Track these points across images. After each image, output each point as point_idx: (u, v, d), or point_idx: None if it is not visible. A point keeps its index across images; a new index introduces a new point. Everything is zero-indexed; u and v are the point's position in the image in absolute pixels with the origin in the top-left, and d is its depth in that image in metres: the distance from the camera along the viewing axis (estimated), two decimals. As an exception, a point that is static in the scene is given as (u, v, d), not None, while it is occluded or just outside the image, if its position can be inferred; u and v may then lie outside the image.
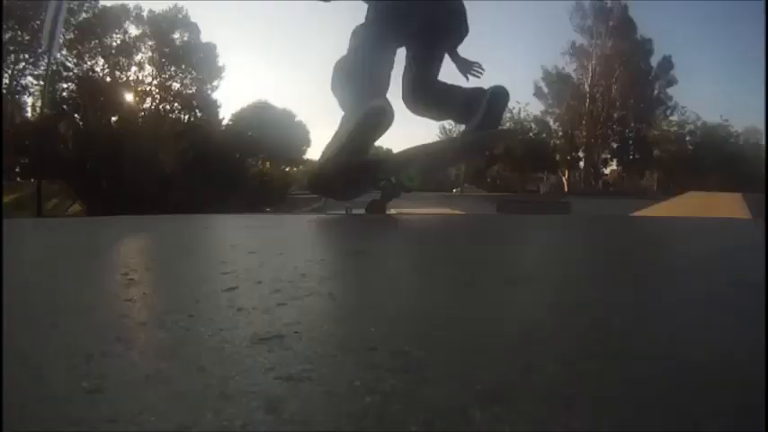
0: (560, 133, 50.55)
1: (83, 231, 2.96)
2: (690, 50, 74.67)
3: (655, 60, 49.21)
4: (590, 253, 1.88)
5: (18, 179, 28.10)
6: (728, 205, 8.90)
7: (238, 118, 40.33)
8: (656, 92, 49.33)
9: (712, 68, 71.04)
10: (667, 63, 48.95)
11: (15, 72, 34.11)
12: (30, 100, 35.92)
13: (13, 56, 33.48)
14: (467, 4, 3.69)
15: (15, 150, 29.52)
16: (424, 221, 3.20)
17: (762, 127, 38.78)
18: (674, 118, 49.06)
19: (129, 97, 34.81)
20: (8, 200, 13.85)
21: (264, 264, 1.44)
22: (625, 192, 43.17)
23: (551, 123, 50.92)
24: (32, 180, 16.54)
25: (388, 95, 3.19)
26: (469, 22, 3.82)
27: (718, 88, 68.98)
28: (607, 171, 55.31)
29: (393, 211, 4.07)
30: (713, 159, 42.65)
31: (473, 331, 0.80)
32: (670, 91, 49.21)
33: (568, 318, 0.89)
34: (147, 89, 38.34)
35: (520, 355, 0.68)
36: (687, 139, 48.26)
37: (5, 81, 33.34)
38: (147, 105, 35.25)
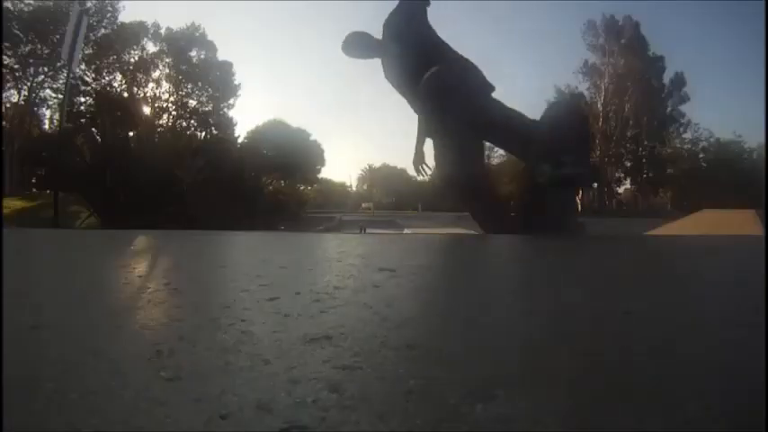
0: (573, 152, 50.31)
1: (111, 244, 3.07)
2: (701, 65, 74.26)
3: (667, 77, 49.11)
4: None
5: (34, 190, 28.40)
6: (742, 222, 8.87)
7: (253, 136, 40.62)
8: (668, 109, 49.15)
9: (725, 83, 70.70)
10: (680, 80, 48.82)
11: (34, 85, 34.60)
12: (48, 113, 36.48)
13: (32, 68, 33.96)
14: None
15: (32, 162, 29.88)
16: (439, 241, 3.29)
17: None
18: (688, 135, 48.82)
19: (146, 113, 35.21)
20: (27, 208, 14.06)
21: (298, 277, 1.55)
22: (639, 211, 42.87)
23: (564, 142, 50.70)
24: (48, 191, 16.73)
25: None
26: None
27: (732, 104, 68.57)
28: (620, 190, 55.02)
29: (407, 230, 4.19)
30: (727, 176, 42.27)
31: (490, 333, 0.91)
32: (683, 108, 49.05)
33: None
34: (164, 105, 38.81)
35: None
36: (700, 156, 47.95)
37: (24, 93, 33.79)
38: (163, 121, 35.61)
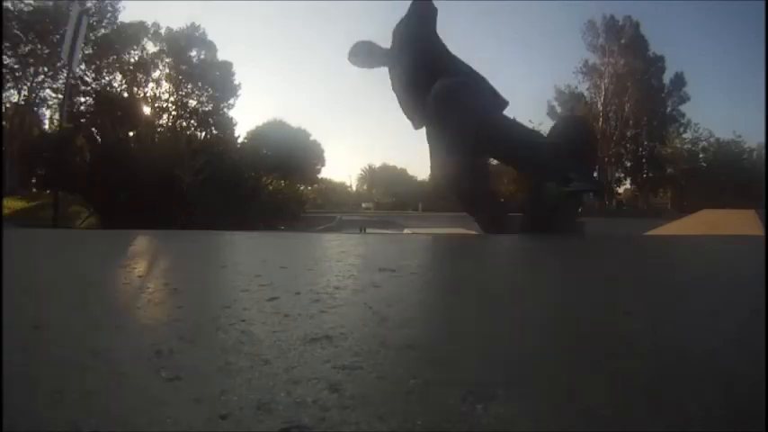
0: (573, 152, 50.34)
1: (111, 244, 3.08)
2: (701, 65, 74.41)
3: (667, 77, 49.17)
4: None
5: (34, 189, 28.43)
6: (742, 222, 8.86)
7: (253, 136, 40.71)
8: (668, 109, 49.20)
9: (725, 83, 70.93)
10: (680, 80, 48.86)
11: (34, 84, 34.56)
12: (48, 113, 36.48)
13: (32, 68, 33.95)
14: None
15: (32, 162, 29.94)
16: (439, 241, 3.29)
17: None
18: (687, 135, 48.87)
19: (146, 113, 35.27)
20: (27, 208, 14.05)
21: (298, 277, 1.55)
22: (639, 211, 42.90)
23: (564, 143, 50.76)
24: (48, 191, 16.75)
25: None
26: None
27: (732, 104, 68.76)
28: (620, 190, 55.07)
29: (407, 230, 4.19)
30: (727, 176, 42.33)
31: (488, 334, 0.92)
32: (683, 108, 49.10)
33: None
34: (164, 105, 38.87)
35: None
36: (700, 156, 47.99)
37: (24, 93, 33.82)
38: (163, 121, 35.62)
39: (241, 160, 13.65)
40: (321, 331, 0.89)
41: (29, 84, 34.28)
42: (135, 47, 38.78)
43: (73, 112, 32.50)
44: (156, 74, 39.57)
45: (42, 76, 34.55)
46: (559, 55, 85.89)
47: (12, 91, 33.47)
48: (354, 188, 75.88)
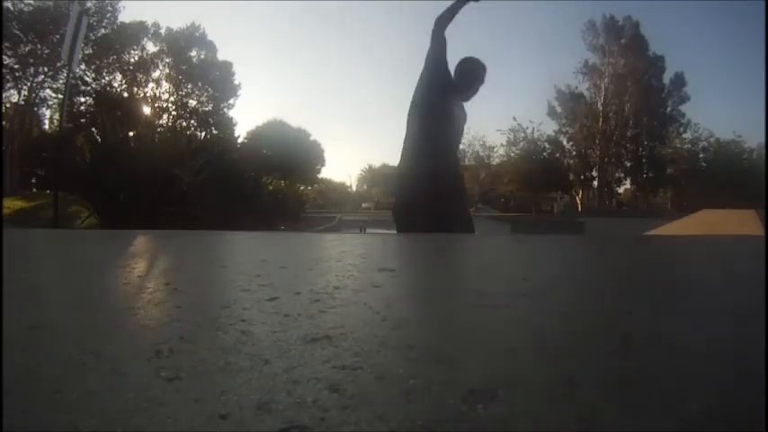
0: (574, 153, 50.49)
1: (111, 244, 3.07)
2: (701, 65, 74.55)
3: (667, 77, 49.22)
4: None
5: (34, 190, 28.49)
6: (742, 222, 8.87)
7: (253, 136, 40.77)
8: (668, 109, 49.25)
9: (725, 83, 70.95)
10: (680, 80, 48.90)
11: (34, 85, 34.55)
12: (48, 113, 36.53)
13: (32, 68, 33.94)
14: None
15: (32, 162, 29.98)
16: (439, 241, 3.29)
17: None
18: (687, 135, 48.95)
19: (146, 113, 35.35)
20: (27, 208, 14.08)
21: (298, 277, 1.55)
22: (639, 211, 42.94)
23: (565, 143, 50.93)
24: (48, 191, 16.77)
25: None
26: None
27: (732, 104, 68.80)
28: (620, 190, 55.11)
29: None
30: (726, 176, 42.38)
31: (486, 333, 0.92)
32: (683, 108, 49.16)
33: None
34: (164, 105, 38.92)
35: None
36: (700, 156, 48.04)
37: (24, 93, 33.85)
38: (163, 121, 35.67)
39: (241, 160, 13.65)
40: (321, 331, 0.89)
41: (29, 84, 34.28)
42: (135, 47, 38.87)
43: (73, 112, 32.56)
44: (156, 74, 39.73)
45: (42, 76, 34.53)
46: (559, 55, 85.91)
47: (12, 91, 33.50)
48: (354, 188, 75.97)
